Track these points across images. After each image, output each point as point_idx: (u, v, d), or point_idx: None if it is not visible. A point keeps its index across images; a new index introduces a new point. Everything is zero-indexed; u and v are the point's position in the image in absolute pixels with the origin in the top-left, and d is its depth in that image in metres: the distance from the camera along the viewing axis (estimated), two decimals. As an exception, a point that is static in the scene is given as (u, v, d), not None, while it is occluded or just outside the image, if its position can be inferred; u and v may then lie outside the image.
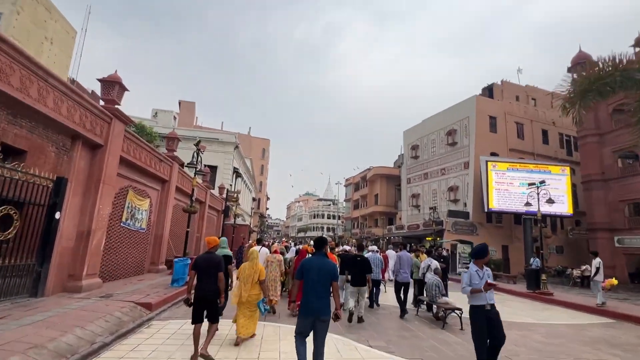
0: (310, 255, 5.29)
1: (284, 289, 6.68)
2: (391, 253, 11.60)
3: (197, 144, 8.86)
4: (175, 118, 29.73)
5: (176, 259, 8.38)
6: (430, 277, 7.60)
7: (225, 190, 14.40)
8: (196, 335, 4.23)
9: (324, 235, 4.14)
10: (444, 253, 9.70)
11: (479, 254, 4.33)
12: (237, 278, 4.95)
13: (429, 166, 28.45)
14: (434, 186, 27.66)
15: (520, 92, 26.59)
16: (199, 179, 11.18)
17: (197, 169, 8.84)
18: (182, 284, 8.07)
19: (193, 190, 8.87)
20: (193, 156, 9.05)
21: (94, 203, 6.64)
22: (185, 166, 9.45)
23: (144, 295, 6.49)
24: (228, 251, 5.38)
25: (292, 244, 28.34)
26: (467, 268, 4.34)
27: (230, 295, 5.14)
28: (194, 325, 4.25)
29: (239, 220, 21.21)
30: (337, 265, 4.34)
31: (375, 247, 9.27)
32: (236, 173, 26.55)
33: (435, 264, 7.46)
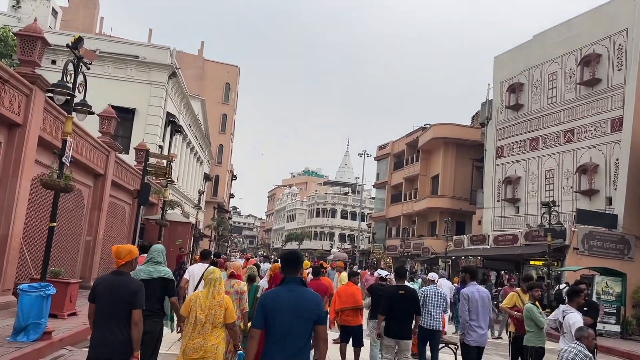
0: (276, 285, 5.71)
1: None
2: (445, 284, 12.24)
3: (75, 44, 7.50)
4: (56, 14, 28.49)
5: (23, 286, 7.60)
6: (570, 350, 6.15)
7: (145, 152, 13.33)
8: None
9: (297, 251, 4.21)
10: (583, 294, 8.32)
11: None
12: (181, 320, 5.27)
13: (542, 125, 27.45)
14: (549, 164, 26.80)
15: None
16: (80, 123, 10.02)
17: (74, 98, 7.72)
18: (38, 335, 7.57)
19: (64, 142, 7.60)
20: (66, 72, 7.77)
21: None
22: (49, 91, 8.14)
23: None
24: (166, 270, 5.49)
25: (267, 260, 28.00)
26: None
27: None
28: None
29: (173, 215, 21.15)
30: (322, 302, 4.23)
31: (437, 275, 10.13)
32: (172, 124, 26.58)
33: (574, 317, 6.66)
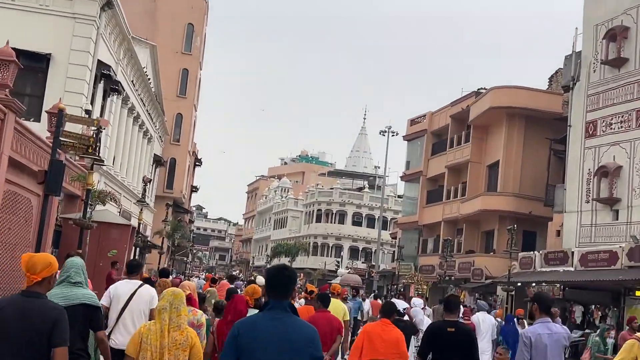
0: (253, 311, 6.82)
1: None
2: (484, 320, 14.17)
3: None
4: None
5: None
6: None
7: (58, 113, 12.55)
8: None
9: (287, 269, 4.51)
10: None
11: None
12: None
13: None
14: None
15: None
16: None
17: None
18: None
19: None
20: None
21: None
22: None
23: None
24: (89, 294, 5.90)
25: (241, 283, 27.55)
26: None
27: None
28: None
29: (104, 214, 21.10)
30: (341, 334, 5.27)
31: (420, 302, 12.52)
32: (106, 80, 26.48)
33: None
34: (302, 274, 70.49)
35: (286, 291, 4.20)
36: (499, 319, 16.61)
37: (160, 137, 46.57)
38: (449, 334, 7.52)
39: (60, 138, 12.63)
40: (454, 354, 7.46)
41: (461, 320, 9.41)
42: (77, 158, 18.75)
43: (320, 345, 4.22)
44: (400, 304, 12.38)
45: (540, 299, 7.26)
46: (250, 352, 3.97)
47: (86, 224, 15.11)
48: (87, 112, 23.49)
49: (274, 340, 3.97)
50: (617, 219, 27.79)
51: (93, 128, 15.21)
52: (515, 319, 16.32)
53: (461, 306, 9.25)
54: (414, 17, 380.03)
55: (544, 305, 7.16)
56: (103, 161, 17.05)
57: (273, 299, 4.16)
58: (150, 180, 33.28)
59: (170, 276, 16.13)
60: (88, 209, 17.28)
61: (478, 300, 25.88)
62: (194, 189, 68.50)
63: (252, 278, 41.62)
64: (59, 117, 12.60)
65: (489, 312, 16.23)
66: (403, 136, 51.93)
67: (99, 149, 15.35)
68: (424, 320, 12.97)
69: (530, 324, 8.93)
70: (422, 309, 12.35)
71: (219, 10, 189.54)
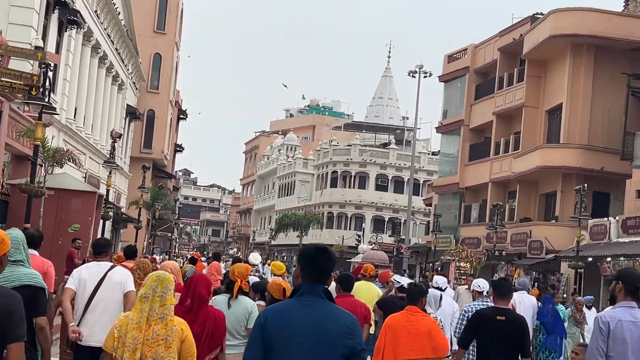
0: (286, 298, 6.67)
1: None
2: (524, 301, 14.87)
3: None
4: None
5: None
6: None
7: None
8: None
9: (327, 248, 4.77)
10: None
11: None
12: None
13: None
14: None
15: None
16: None
17: None
18: None
19: None
20: None
21: None
22: None
23: None
24: (32, 273, 6.25)
25: (260, 265, 27.37)
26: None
27: None
28: None
29: (63, 179, 21.23)
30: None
31: (444, 280, 13.40)
32: (62, 8, 25.94)
33: None
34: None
35: (324, 275, 4.42)
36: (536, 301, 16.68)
37: (134, 83, 46.25)
38: (499, 322, 8.01)
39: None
40: (502, 345, 7.97)
41: (489, 301, 10.09)
42: (26, 109, 18.41)
43: (361, 336, 4.42)
44: (440, 280, 13.22)
45: (627, 277, 6.80)
46: (280, 345, 4.19)
47: (35, 189, 14.67)
48: (37, 49, 23.00)
49: (307, 331, 4.17)
50: None
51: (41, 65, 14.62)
52: (550, 298, 16.58)
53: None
54: None
55: (631, 285, 6.67)
56: (54, 109, 16.60)
57: (305, 283, 4.36)
58: (121, 135, 32.94)
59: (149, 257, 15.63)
60: (42, 172, 16.89)
61: (521, 278, 26.14)
62: (178, 149, 68.45)
63: (238, 255, 41.18)
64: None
65: (528, 291, 16.54)
66: (438, 76, 51.45)
67: (49, 92, 14.73)
68: (434, 303, 12.88)
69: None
70: (442, 289, 12.32)
71: None
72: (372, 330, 10.55)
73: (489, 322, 8.12)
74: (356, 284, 12.24)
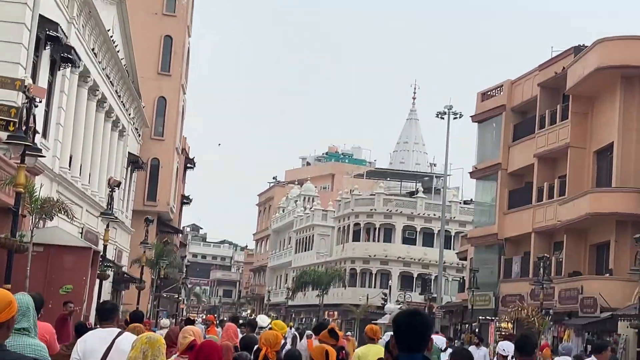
0: None
1: None
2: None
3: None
4: None
5: None
6: None
7: None
8: None
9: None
10: None
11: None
12: None
13: None
14: None
15: None
16: None
17: None
18: None
19: None
20: None
21: None
22: None
23: None
24: (38, 344, 6.23)
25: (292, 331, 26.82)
26: None
27: None
28: None
29: (53, 233, 21.26)
30: None
31: (510, 346, 12.91)
32: (55, 45, 25.67)
33: None
34: (335, 313, 70.01)
35: (421, 342, 4.52)
36: None
37: (136, 129, 46.13)
38: None
39: None
40: None
41: None
42: (13, 156, 17.96)
43: None
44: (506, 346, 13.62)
45: None
46: None
47: (15, 244, 13.75)
48: (26, 87, 22.59)
49: None
50: None
51: (23, 100, 13.93)
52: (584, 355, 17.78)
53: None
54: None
55: None
56: (40, 150, 15.98)
57: (403, 353, 4.49)
58: (120, 183, 32.48)
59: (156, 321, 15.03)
60: (29, 225, 16.22)
61: (564, 343, 26.12)
62: (185, 201, 68.54)
63: (253, 318, 40.58)
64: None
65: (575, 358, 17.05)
66: (471, 116, 51.22)
67: (33, 130, 13.97)
68: None
69: None
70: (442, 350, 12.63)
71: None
72: None
73: None
74: (363, 348, 12.41)
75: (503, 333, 39.34)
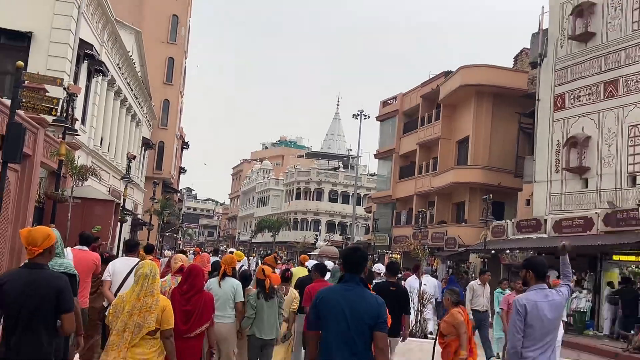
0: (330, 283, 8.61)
1: None
2: (429, 282, 16.86)
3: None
4: None
5: None
6: None
7: (18, 72, 9.99)
8: None
9: (356, 246, 5.51)
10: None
11: None
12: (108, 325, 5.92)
13: (624, 61, 25.01)
14: (634, 116, 24.32)
15: None
16: None
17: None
18: None
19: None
20: None
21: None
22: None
23: None
24: (67, 262, 6.22)
25: (253, 259, 26.11)
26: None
27: None
28: None
29: (85, 190, 19.78)
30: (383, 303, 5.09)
31: (382, 267, 13.24)
32: (89, 59, 24.31)
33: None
34: (283, 247, 69.55)
35: (359, 268, 4.67)
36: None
37: (148, 121, 44.23)
38: (392, 291, 9.21)
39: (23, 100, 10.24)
40: (394, 305, 8.45)
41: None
42: (60, 136, 16.91)
43: (385, 312, 4.60)
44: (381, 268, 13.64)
45: (535, 264, 6.17)
46: (327, 315, 4.48)
47: (58, 196, 12.86)
48: (67, 90, 21.31)
49: (345, 306, 4.43)
50: (586, 187, 26.07)
51: (63, 94, 12.84)
52: (454, 278, 19.80)
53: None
54: (384, 8, 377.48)
55: (540, 271, 6.12)
56: (76, 131, 14.83)
57: (347, 273, 4.64)
58: (135, 156, 31.22)
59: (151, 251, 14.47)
60: (71, 184, 15.26)
61: (425, 266, 26.25)
62: (182, 170, 66.58)
63: (219, 247, 39.71)
64: (16, 75, 10.11)
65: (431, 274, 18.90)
66: (376, 117, 50.36)
67: (72, 117, 12.99)
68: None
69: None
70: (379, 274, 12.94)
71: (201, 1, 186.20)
72: None
73: (385, 290, 8.85)
74: (297, 268, 12.56)
75: (393, 261, 39.19)
